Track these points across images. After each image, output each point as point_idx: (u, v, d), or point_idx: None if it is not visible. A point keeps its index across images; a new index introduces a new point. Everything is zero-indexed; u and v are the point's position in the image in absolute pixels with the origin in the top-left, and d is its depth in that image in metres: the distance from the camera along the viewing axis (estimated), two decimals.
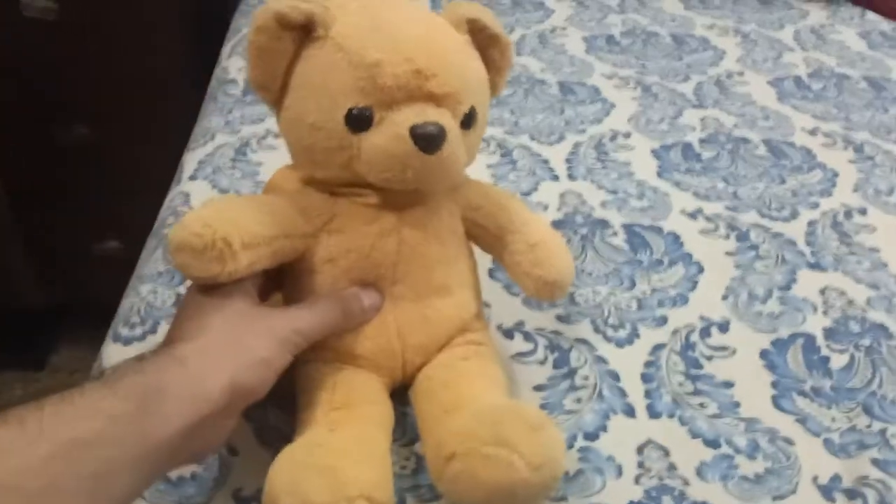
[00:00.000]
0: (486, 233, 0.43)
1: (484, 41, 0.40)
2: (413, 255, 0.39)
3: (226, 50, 0.86)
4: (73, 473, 0.28)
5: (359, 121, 0.36)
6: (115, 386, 0.30)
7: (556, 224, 0.59)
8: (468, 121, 0.38)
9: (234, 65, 0.80)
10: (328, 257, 0.39)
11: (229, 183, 0.61)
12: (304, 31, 0.37)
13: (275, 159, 0.65)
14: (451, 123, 0.36)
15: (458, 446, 0.34)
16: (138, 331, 0.48)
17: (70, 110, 1.13)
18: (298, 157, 0.40)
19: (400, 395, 0.41)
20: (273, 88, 0.38)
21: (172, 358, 0.32)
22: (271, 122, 0.70)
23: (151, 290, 0.51)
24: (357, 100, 0.35)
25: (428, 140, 0.35)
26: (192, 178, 0.62)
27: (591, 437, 0.42)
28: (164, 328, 0.48)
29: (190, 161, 0.65)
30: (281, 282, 0.41)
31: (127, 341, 0.47)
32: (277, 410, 0.43)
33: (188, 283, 0.51)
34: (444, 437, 0.35)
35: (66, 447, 0.28)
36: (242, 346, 0.34)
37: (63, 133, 1.13)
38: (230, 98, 0.74)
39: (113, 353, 0.46)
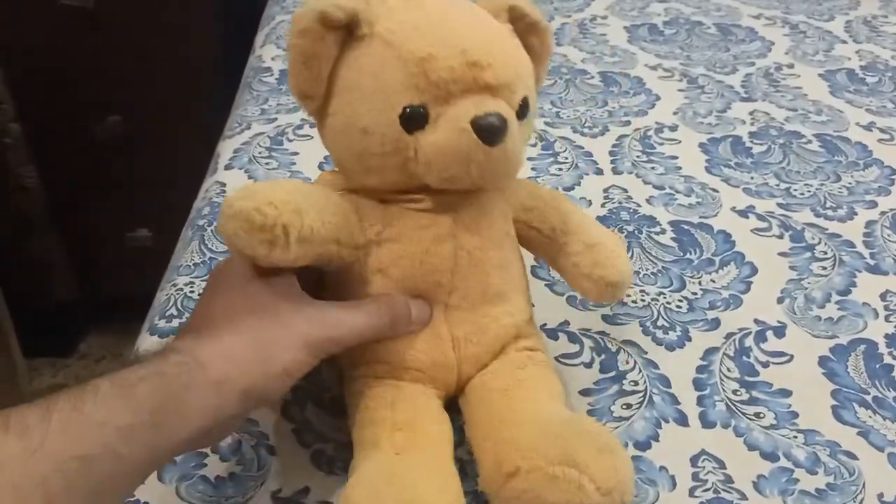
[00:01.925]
0: (539, 235, 0.41)
1: (523, 29, 0.38)
2: (470, 260, 0.37)
3: (259, 38, 0.85)
4: (73, 490, 0.26)
5: (414, 120, 0.33)
6: (132, 392, 0.29)
7: (601, 220, 0.56)
8: (523, 111, 0.36)
9: (268, 53, 0.79)
10: (378, 267, 0.37)
11: (265, 173, 0.60)
12: (346, 32, 0.35)
13: (311, 149, 0.63)
14: (510, 114, 0.34)
15: (521, 462, 0.32)
16: (175, 323, 0.47)
17: (104, 101, 1.13)
18: (347, 164, 0.37)
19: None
20: (317, 95, 0.36)
21: (196, 362, 0.31)
22: None
23: (188, 282, 0.50)
24: (411, 97, 0.33)
25: (491, 132, 0.33)
26: (228, 167, 0.61)
27: (643, 446, 0.40)
28: None
29: (226, 150, 0.64)
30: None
31: (163, 334, 0.46)
32: (317, 409, 0.42)
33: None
34: (505, 451, 0.34)
35: (67, 464, 0.26)
36: (268, 354, 0.32)
37: (97, 124, 1.13)
38: (265, 86, 0.73)
39: (149, 346, 0.45)
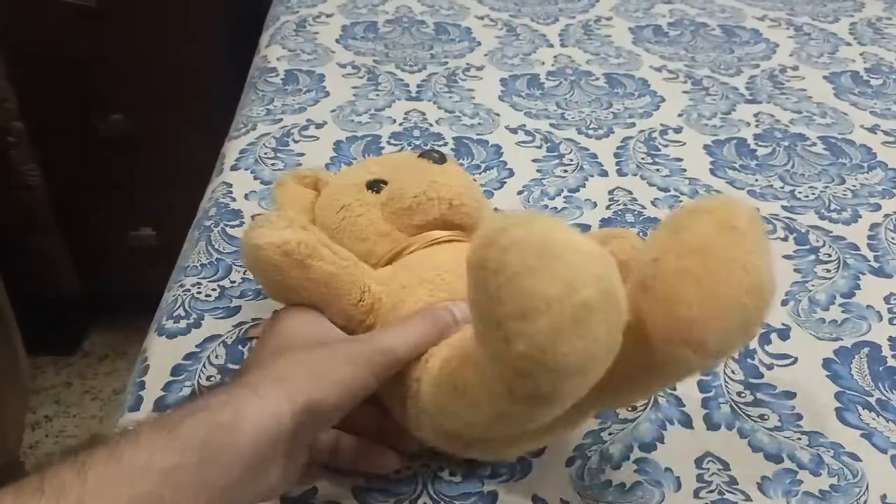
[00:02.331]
0: None
1: None
2: None
3: (264, 38, 0.85)
4: None
5: (376, 184, 0.42)
6: (175, 432, 0.27)
7: (606, 222, 0.57)
8: None
9: (273, 53, 0.79)
10: (402, 284, 0.38)
11: (271, 174, 0.60)
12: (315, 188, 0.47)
13: (316, 149, 0.64)
14: None
15: None
16: (183, 324, 0.47)
17: (107, 99, 1.13)
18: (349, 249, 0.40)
19: None
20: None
21: (242, 386, 0.29)
22: (312, 112, 0.69)
23: (195, 282, 0.50)
24: (370, 176, 0.43)
25: (434, 154, 0.43)
26: (234, 167, 0.61)
27: (648, 447, 0.41)
28: (208, 321, 0.47)
29: (231, 150, 0.64)
30: None
31: (171, 335, 0.46)
32: None
33: (233, 276, 0.50)
34: None
35: None
36: (319, 370, 0.31)
37: (101, 122, 1.14)
38: (271, 87, 0.73)
39: (157, 347, 0.46)
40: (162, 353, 0.45)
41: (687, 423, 0.42)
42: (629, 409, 0.43)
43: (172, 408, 0.29)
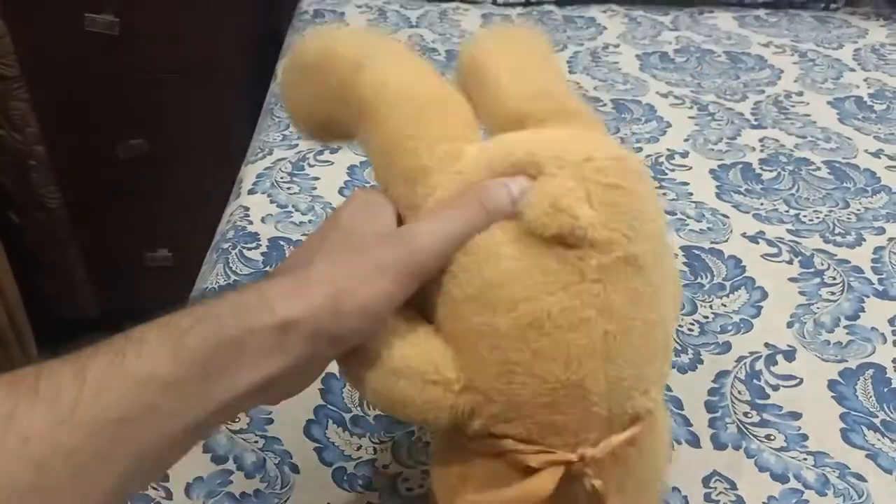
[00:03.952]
0: None
1: None
2: None
3: (281, 66, 0.87)
4: (108, 458, 0.24)
5: None
6: (182, 342, 0.25)
7: None
8: None
9: None
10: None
11: (287, 198, 0.62)
12: None
13: (331, 174, 0.65)
14: None
15: None
16: None
17: (127, 123, 1.15)
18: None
19: None
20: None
21: (260, 301, 0.27)
22: None
23: None
24: None
25: None
26: (251, 191, 0.63)
27: None
28: None
29: (248, 175, 0.66)
30: None
31: None
32: (338, 428, 0.43)
33: None
34: None
35: (103, 430, 0.24)
36: (340, 290, 0.28)
37: (120, 146, 1.16)
38: (286, 113, 0.75)
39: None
40: None
41: (694, 442, 0.43)
42: None
43: (186, 309, 0.27)
